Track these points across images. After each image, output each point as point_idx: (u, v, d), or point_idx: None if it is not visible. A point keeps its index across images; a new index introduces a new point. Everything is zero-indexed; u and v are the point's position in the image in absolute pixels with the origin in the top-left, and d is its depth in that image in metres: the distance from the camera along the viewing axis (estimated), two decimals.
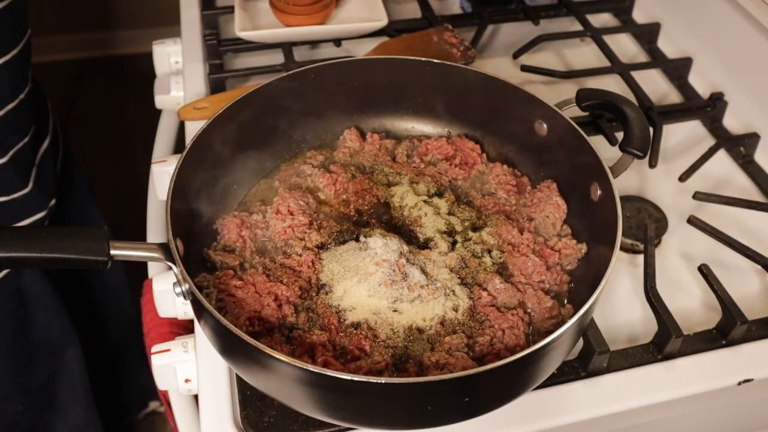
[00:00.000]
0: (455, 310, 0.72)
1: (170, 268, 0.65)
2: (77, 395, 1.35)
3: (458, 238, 0.80)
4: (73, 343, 1.31)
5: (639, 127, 0.76)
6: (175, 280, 0.65)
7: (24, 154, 1.14)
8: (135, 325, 1.44)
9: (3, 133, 1.09)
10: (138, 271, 1.11)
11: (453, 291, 0.73)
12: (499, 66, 1.17)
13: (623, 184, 0.95)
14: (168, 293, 0.83)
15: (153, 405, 1.78)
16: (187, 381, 0.79)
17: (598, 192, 0.75)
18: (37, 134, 1.20)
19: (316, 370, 0.57)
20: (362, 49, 1.14)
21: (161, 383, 0.80)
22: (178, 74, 1.13)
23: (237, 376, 0.74)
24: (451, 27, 1.14)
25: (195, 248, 0.75)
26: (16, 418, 1.28)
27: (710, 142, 1.02)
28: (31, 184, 1.16)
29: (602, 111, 0.87)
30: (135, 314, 1.48)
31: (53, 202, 1.22)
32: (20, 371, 1.26)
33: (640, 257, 0.86)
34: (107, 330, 1.54)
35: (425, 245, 0.78)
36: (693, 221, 0.87)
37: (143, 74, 1.64)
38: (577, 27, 1.21)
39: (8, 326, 1.21)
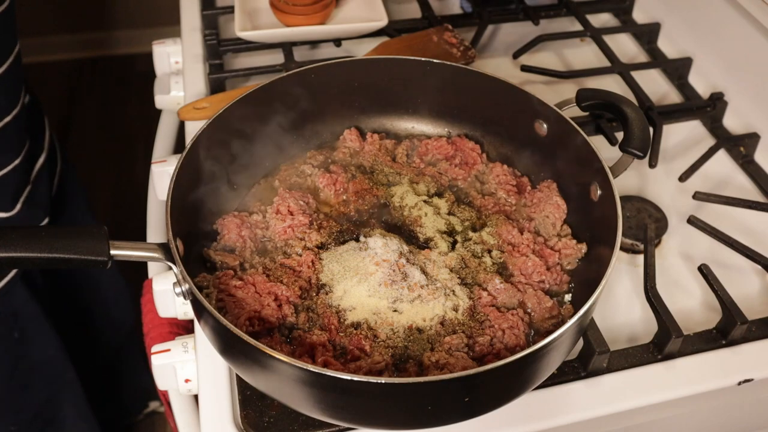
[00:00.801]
0: (455, 310, 0.72)
1: (170, 268, 0.65)
2: (78, 411, 1.33)
3: (458, 238, 0.79)
4: (68, 363, 1.28)
5: (639, 127, 0.76)
6: (175, 280, 0.65)
7: (15, 174, 1.09)
8: (135, 325, 1.44)
9: None
10: (138, 272, 1.11)
11: (453, 291, 0.73)
12: (499, 66, 1.17)
13: (623, 184, 0.95)
14: (168, 293, 0.83)
15: (153, 405, 1.78)
16: (187, 381, 0.79)
17: (598, 192, 0.75)
18: (32, 152, 1.15)
19: (316, 370, 0.57)
20: (362, 49, 1.14)
21: (161, 383, 0.80)
22: (178, 74, 1.13)
23: (237, 376, 0.74)
24: (451, 27, 1.13)
25: (195, 248, 0.75)
26: None
27: (710, 142, 1.02)
28: (19, 206, 1.11)
29: (602, 111, 0.87)
30: (135, 315, 1.48)
31: (47, 220, 1.19)
32: (14, 392, 1.24)
33: (640, 257, 0.86)
34: (108, 331, 1.54)
35: (425, 245, 0.78)
36: (693, 221, 0.87)
37: (143, 74, 1.65)
38: (577, 27, 1.21)
39: (1, 348, 1.19)
